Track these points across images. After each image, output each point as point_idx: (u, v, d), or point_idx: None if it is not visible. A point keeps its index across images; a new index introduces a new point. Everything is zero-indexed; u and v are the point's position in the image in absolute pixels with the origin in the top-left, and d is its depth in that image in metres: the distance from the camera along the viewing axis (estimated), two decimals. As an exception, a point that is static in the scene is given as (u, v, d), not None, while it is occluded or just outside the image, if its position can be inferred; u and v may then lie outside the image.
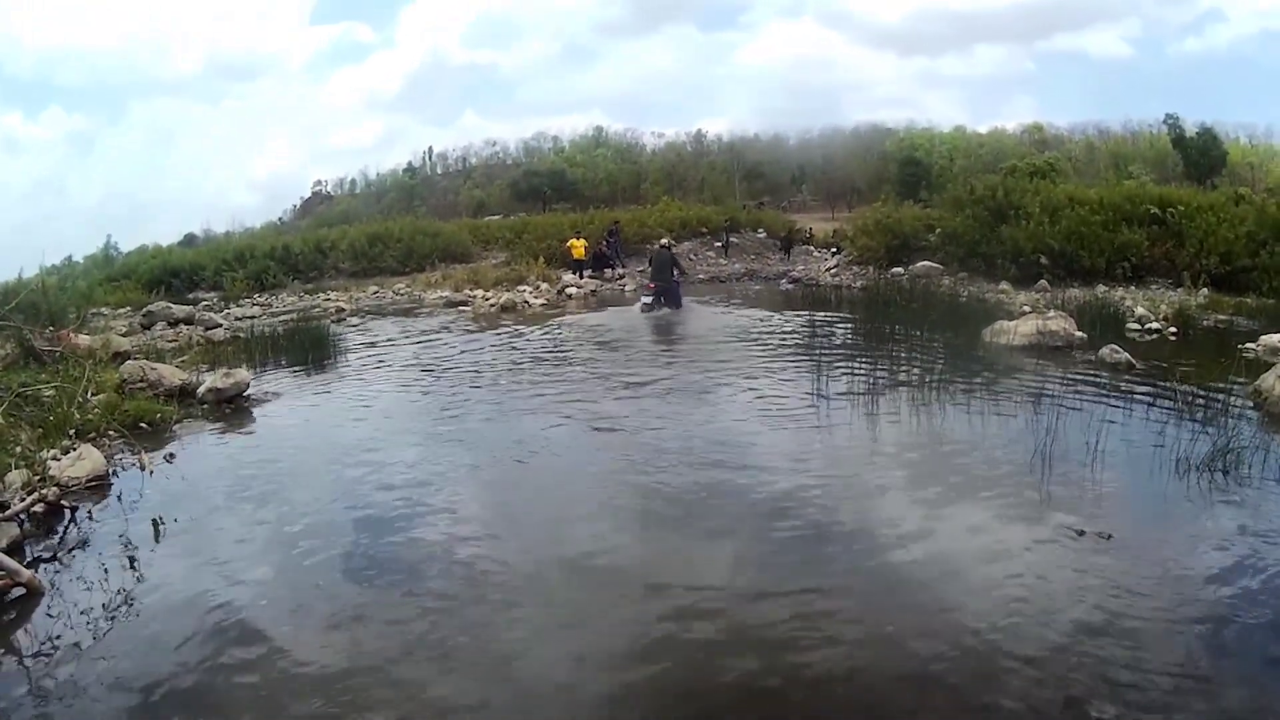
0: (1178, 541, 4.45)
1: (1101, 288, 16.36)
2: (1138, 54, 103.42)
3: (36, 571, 4.52)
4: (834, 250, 28.76)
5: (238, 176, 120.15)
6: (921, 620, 3.73)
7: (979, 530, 4.73)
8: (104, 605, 4.14)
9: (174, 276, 30.52)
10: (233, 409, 8.46)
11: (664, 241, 19.18)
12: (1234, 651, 3.37)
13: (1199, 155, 48.92)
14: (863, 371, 8.87)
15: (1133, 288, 16.84)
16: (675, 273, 17.43)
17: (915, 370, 8.62)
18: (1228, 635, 3.49)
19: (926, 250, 21.22)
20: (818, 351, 10.02)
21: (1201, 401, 7.03)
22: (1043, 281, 17.49)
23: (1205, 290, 15.97)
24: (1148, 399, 7.69)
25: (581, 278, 23.97)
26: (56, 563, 4.76)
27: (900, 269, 20.45)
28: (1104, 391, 7.99)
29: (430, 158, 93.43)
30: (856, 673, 3.40)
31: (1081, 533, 4.49)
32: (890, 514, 5.03)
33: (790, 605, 3.92)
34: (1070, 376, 8.68)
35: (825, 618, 3.81)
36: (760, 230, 34.94)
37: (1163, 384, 8.11)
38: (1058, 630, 3.55)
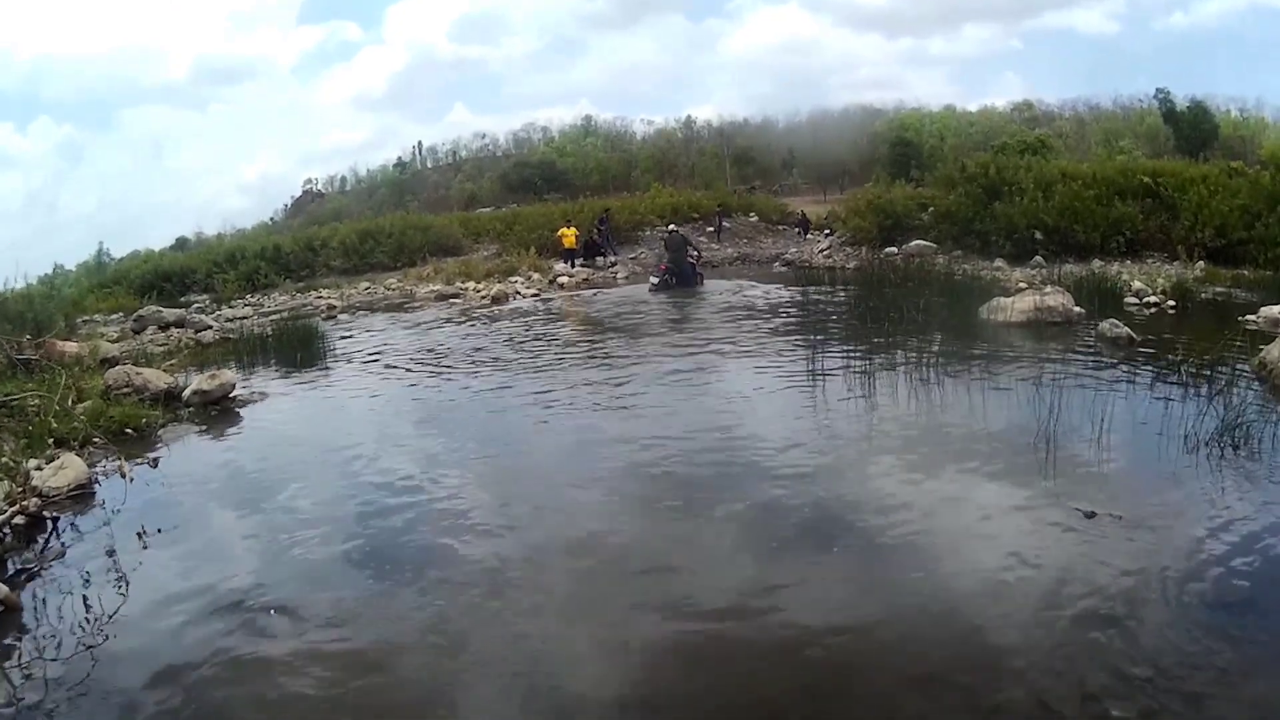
0: (1192, 521, 4.32)
1: (1097, 263, 16.23)
2: (1125, 30, 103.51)
3: (20, 585, 4.40)
4: (826, 232, 28.65)
5: (229, 180, 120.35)
6: (930, 612, 3.61)
7: (987, 514, 4.61)
8: (86, 617, 4.02)
9: (166, 281, 30.25)
10: (219, 411, 8.32)
11: (671, 226, 19.80)
12: (1256, 639, 3.25)
13: (1190, 129, 48.86)
14: (860, 351, 8.78)
15: (1128, 262, 16.71)
16: (690, 253, 18.16)
17: (913, 349, 8.48)
18: (1249, 621, 3.36)
19: (919, 229, 21.06)
20: (814, 333, 9.89)
21: (1205, 375, 6.90)
22: (1038, 258, 17.36)
23: (1201, 263, 15.88)
24: (1151, 374, 7.58)
25: (573, 267, 23.82)
26: (38, 575, 4.62)
27: (894, 249, 20.31)
28: (1106, 367, 7.89)
29: (420, 152, 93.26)
30: (863, 671, 3.29)
31: (1092, 514, 4.37)
32: (895, 498, 4.90)
33: (792, 598, 3.81)
34: (1071, 352, 8.59)
35: (829, 611, 3.69)
36: (752, 214, 34.76)
37: (1165, 358, 8.01)
38: (1072, 619, 3.43)
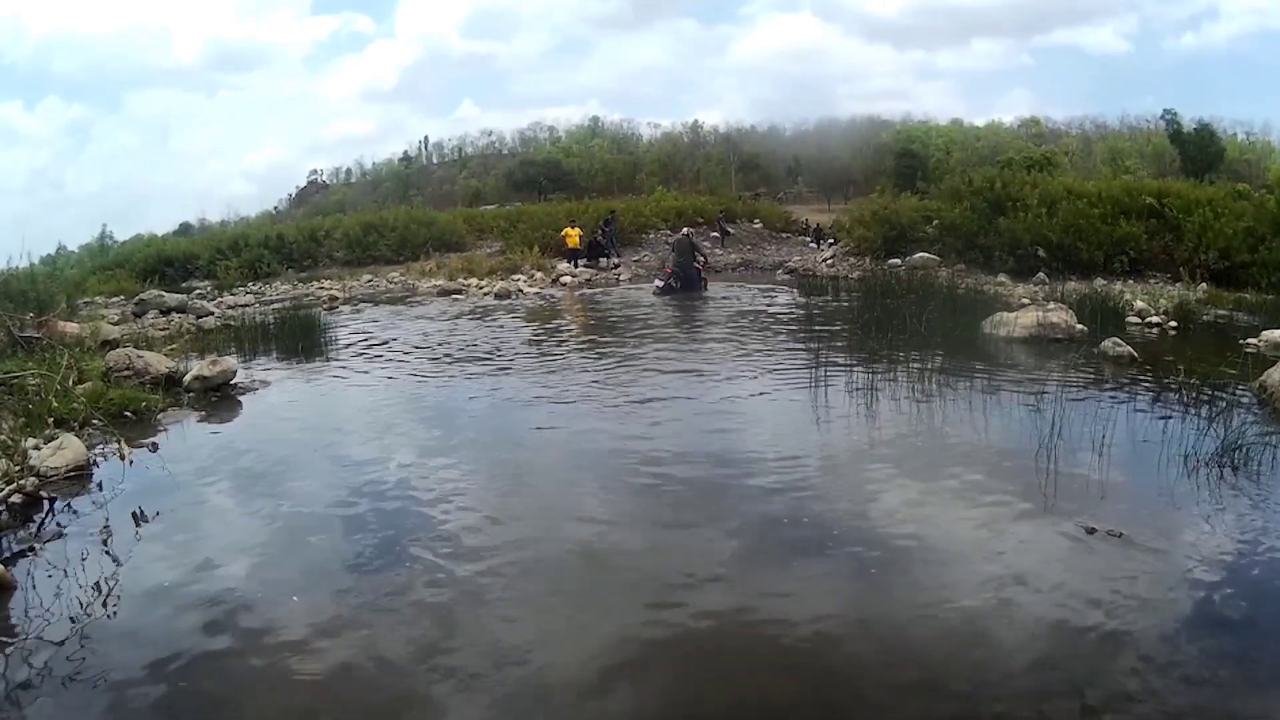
0: (1191, 540, 4.32)
1: (1100, 281, 16.26)
2: (1135, 49, 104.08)
3: (13, 564, 4.38)
4: (830, 241, 28.64)
5: (234, 166, 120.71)
6: (928, 624, 3.59)
7: (987, 529, 4.59)
8: (79, 599, 3.98)
9: (168, 265, 30.31)
10: (219, 397, 8.31)
11: (685, 230, 19.84)
12: (1255, 656, 3.25)
13: (1196, 151, 48.86)
14: (863, 362, 8.77)
15: (1131, 281, 16.73)
16: (696, 257, 18.31)
17: (916, 361, 8.49)
18: (1247, 639, 3.36)
19: (923, 242, 21.07)
20: (816, 342, 9.90)
21: (1206, 396, 6.91)
22: (1040, 274, 17.39)
23: (1204, 285, 15.90)
24: (1152, 393, 7.60)
25: (576, 267, 23.83)
26: (33, 555, 4.60)
27: (897, 260, 20.31)
28: (1107, 385, 7.90)
29: (426, 147, 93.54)
30: (860, 681, 3.27)
31: (1092, 530, 4.37)
32: (894, 512, 4.88)
33: (789, 608, 3.78)
34: (1073, 370, 8.58)
35: (826, 622, 3.67)
36: (756, 221, 34.77)
37: (1166, 379, 8.03)
38: (1072, 633, 3.42)
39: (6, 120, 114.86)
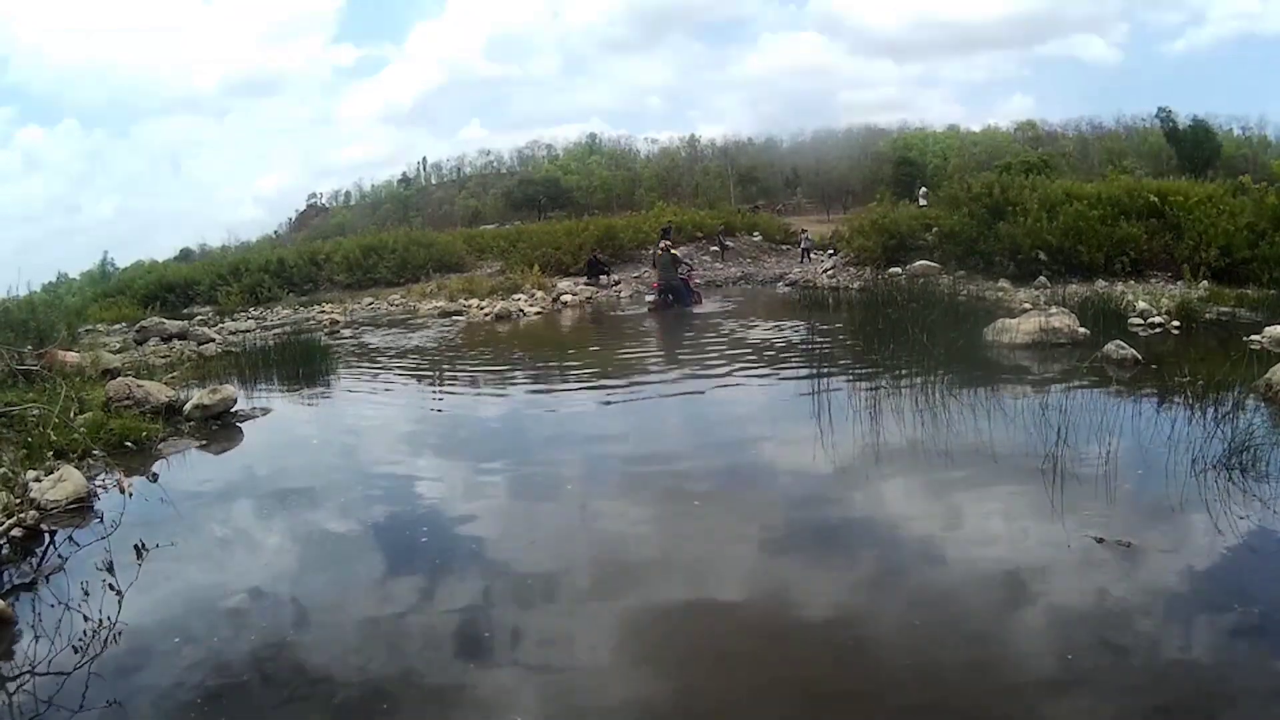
0: (1201, 547, 4.25)
1: (1100, 283, 16.21)
2: (1129, 57, 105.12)
3: (14, 598, 4.35)
4: (830, 251, 28.55)
5: (246, 191, 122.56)
6: (935, 637, 3.55)
7: (994, 539, 4.55)
8: (82, 631, 3.94)
9: (169, 292, 30.51)
10: (220, 425, 8.26)
11: (663, 244, 18.94)
12: (1269, 665, 3.19)
13: (1193, 148, 48.84)
14: (864, 372, 8.73)
15: (1132, 282, 16.67)
16: (679, 269, 17.93)
17: (918, 370, 8.45)
18: (1263, 647, 3.31)
19: (924, 249, 21.03)
20: (817, 352, 9.89)
21: (1211, 396, 6.85)
22: (1041, 278, 17.34)
23: (1205, 283, 15.85)
24: (1157, 395, 7.54)
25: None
26: (34, 588, 4.57)
27: (898, 269, 20.26)
28: (1112, 389, 7.85)
29: (425, 168, 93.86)
30: (866, 695, 3.23)
31: (1101, 540, 4.31)
32: (899, 522, 4.86)
33: (794, 620, 3.77)
34: (1077, 374, 8.52)
35: (831, 634, 3.64)
36: (755, 233, 34.74)
37: (1170, 380, 7.97)
38: (1082, 645, 3.36)
39: (25, 146, 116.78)
